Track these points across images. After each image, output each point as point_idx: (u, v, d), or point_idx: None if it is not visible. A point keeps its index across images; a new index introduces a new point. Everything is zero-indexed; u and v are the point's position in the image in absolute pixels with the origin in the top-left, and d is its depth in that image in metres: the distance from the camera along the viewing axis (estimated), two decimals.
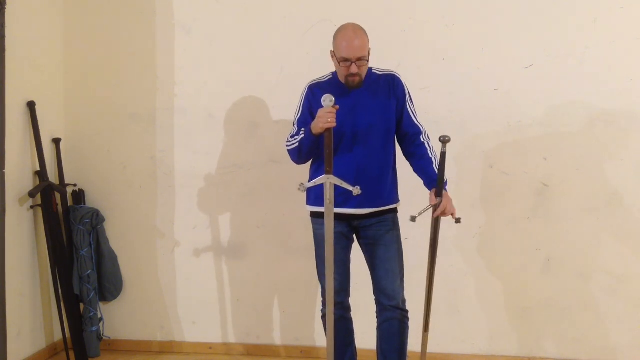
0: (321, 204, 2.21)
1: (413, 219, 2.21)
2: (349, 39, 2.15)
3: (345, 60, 2.17)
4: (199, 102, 3.06)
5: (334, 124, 2.09)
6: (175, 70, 3.07)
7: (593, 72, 2.75)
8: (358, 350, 2.50)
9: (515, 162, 2.84)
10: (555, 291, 2.85)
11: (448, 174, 2.83)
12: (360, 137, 2.24)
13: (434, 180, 2.20)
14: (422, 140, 2.30)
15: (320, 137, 2.18)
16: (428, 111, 2.84)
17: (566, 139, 2.80)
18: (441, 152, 2.16)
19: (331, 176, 2.13)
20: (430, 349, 2.89)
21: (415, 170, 2.33)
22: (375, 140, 2.25)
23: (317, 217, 2.34)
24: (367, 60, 2.20)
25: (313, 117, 2.21)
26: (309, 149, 2.26)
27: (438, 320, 2.92)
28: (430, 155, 2.27)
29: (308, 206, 2.38)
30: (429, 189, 2.24)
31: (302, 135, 2.25)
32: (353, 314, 2.44)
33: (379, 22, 2.87)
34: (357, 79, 2.21)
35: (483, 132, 2.86)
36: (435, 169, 2.22)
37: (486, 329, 2.91)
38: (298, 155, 2.31)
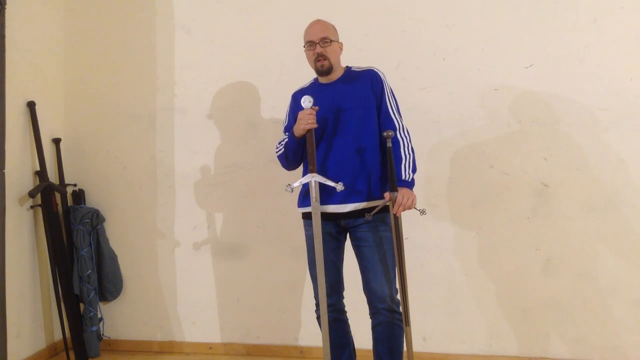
0: (307, 204, 2.24)
1: (368, 217, 2.21)
2: (311, 24, 2.31)
3: (310, 43, 2.25)
4: (199, 102, 3.06)
5: (315, 125, 2.15)
6: (175, 70, 3.07)
7: (593, 72, 2.75)
8: (357, 350, 2.50)
9: (515, 162, 2.84)
10: (555, 291, 2.85)
11: (448, 174, 2.87)
12: (341, 132, 2.24)
13: (399, 180, 2.19)
14: (398, 138, 2.26)
15: (303, 138, 2.22)
16: (428, 111, 2.85)
17: (566, 139, 2.80)
18: (387, 147, 2.17)
19: (315, 174, 2.17)
20: (430, 349, 2.90)
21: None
22: (357, 133, 2.24)
23: (305, 218, 2.36)
24: (331, 42, 2.25)
25: None
26: (294, 153, 2.31)
27: (438, 320, 2.92)
28: (402, 153, 2.22)
29: (298, 209, 2.38)
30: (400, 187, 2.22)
31: (286, 139, 2.30)
32: (352, 314, 2.44)
33: (379, 22, 2.87)
34: (325, 63, 2.24)
35: (483, 132, 2.85)
36: (404, 167, 2.21)
37: (486, 329, 2.91)
38: (285, 160, 2.36)
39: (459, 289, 2.92)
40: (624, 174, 2.76)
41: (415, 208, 2.17)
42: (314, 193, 2.18)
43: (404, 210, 2.15)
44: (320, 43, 2.24)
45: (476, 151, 2.87)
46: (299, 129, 2.18)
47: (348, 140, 2.24)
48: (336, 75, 2.31)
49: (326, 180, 2.16)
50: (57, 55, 3.11)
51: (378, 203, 2.24)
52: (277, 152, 2.39)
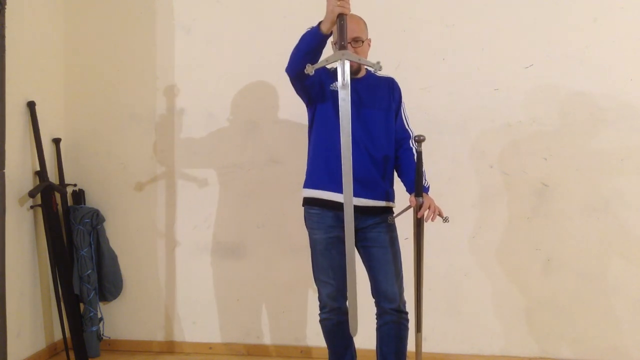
0: (324, 188, 2.16)
1: (391, 219, 2.20)
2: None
3: None
4: (199, 102, 3.06)
5: (348, 10, 1.91)
6: (175, 70, 3.07)
7: (593, 72, 2.75)
8: (358, 350, 2.49)
9: (515, 162, 2.84)
10: (555, 291, 2.85)
11: (448, 174, 2.87)
12: (366, 128, 2.21)
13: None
14: (411, 145, 2.29)
15: (321, 41, 1.98)
16: (428, 111, 2.85)
17: (566, 139, 2.80)
18: (417, 152, 2.14)
19: (346, 52, 1.86)
20: (430, 349, 2.90)
21: (399, 174, 2.32)
22: (379, 134, 2.23)
23: (312, 204, 2.25)
24: (363, 42, 2.18)
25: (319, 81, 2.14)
26: (305, 54, 2.01)
27: (438, 320, 2.92)
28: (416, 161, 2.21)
29: (304, 190, 2.28)
30: (410, 194, 2.21)
31: (307, 30, 2.05)
32: None
33: (379, 22, 2.86)
34: (354, 64, 2.16)
35: (483, 132, 2.86)
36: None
37: (486, 329, 2.91)
38: (295, 52, 2.07)
39: (459, 289, 2.92)
40: (624, 174, 2.76)
41: (439, 216, 2.15)
42: (345, 76, 1.87)
43: (433, 218, 2.13)
44: (352, 43, 2.13)
45: (476, 151, 2.87)
46: (333, 13, 1.88)
47: (372, 136, 2.21)
48: (362, 73, 2.27)
49: (360, 58, 1.89)
50: (57, 55, 3.11)
51: (390, 205, 2.28)
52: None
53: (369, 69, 2.32)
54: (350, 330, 2.17)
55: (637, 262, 2.77)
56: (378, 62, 1.92)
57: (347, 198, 2.04)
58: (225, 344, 3.13)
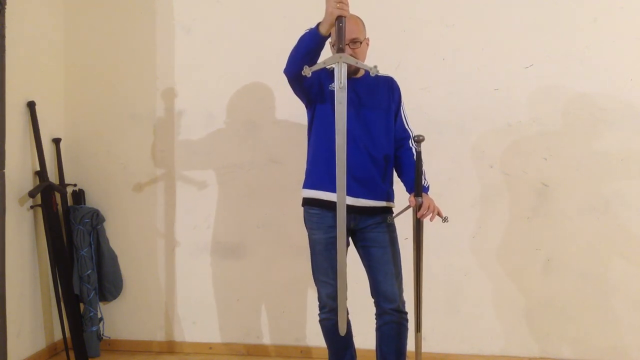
0: (322, 187, 2.16)
1: (391, 219, 2.20)
2: None
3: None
4: (199, 102, 3.06)
5: (347, 13, 1.91)
6: (175, 70, 3.07)
7: (593, 72, 2.75)
8: (358, 350, 2.49)
9: (515, 162, 2.84)
10: (555, 291, 2.85)
11: (448, 174, 2.87)
12: (365, 129, 2.20)
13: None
14: (411, 145, 2.28)
15: (320, 42, 1.98)
16: (428, 111, 2.85)
17: (566, 139, 2.80)
18: (416, 152, 2.14)
19: (344, 55, 1.87)
20: (430, 349, 2.91)
21: (399, 174, 2.32)
22: (379, 133, 2.23)
23: (312, 204, 2.25)
24: (361, 43, 2.17)
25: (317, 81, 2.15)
26: (304, 56, 2.03)
27: (438, 320, 2.92)
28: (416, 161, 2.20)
29: (304, 190, 2.28)
30: (410, 194, 2.21)
31: (306, 32, 2.05)
32: (352, 314, 2.44)
33: (379, 22, 2.86)
34: (352, 66, 2.15)
35: (483, 132, 2.86)
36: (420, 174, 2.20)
37: (486, 329, 2.91)
38: (294, 55, 2.07)
39: (458, 289, 2.92)
40: (624, 174, 2.76)
41: (438, 216, 2.15)
42: (342, 79, 1.89)
43: (432, 218, 2.13)
44: (350, 44, 2.12)
45: (476, 151, 2.87)
46: (333, 14, 1.88)
47: (373, 138, 2.21)
48: (360, 72, 2.25)
49: (357, 61, 1.90)
50: (57, 55, 3.11)
51: (390, 205, 2.27)
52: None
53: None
54: (339, 330, 2.17)
55: (637, 262, 2.77)
56: (375, 66, 1.94)
57: (340, 198, 2.05)
58: (225, 344, 3.13)
